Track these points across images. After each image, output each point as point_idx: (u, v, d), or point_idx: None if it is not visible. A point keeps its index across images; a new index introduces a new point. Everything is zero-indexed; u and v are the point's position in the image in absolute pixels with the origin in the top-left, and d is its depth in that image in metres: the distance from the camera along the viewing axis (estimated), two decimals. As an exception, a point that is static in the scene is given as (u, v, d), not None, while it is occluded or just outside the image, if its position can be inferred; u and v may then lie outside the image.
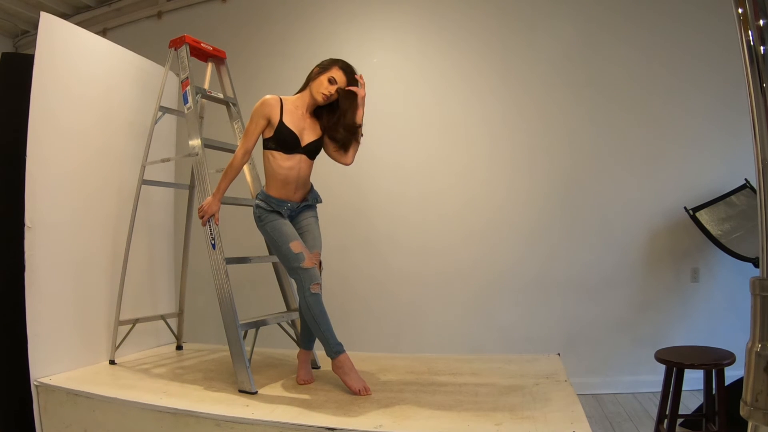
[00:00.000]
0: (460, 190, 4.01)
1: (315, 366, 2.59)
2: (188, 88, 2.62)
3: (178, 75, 2.76)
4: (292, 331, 2.76)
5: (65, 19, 3.18)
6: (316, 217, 2.43)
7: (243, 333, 2.27)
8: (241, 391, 2.20)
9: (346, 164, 2.37)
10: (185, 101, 2.63)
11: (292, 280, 2.41)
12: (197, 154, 2.54)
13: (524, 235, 3.89)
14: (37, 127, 2.50)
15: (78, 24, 3.05)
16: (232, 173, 2.33)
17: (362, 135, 2.36)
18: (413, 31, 4.17)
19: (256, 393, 2.18)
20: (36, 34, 2.57)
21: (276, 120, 2.24)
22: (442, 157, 4.06)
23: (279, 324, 2.65)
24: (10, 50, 5.23)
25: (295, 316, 2.63)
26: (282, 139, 2.24)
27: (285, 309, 2.76)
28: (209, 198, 2.38)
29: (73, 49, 2.73)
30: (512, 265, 3.89)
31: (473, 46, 4.03)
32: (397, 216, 4.11)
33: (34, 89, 2.49)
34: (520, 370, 2.42)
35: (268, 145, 2.27)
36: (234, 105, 2.92)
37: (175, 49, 2.73)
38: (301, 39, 4.38)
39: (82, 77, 2.78)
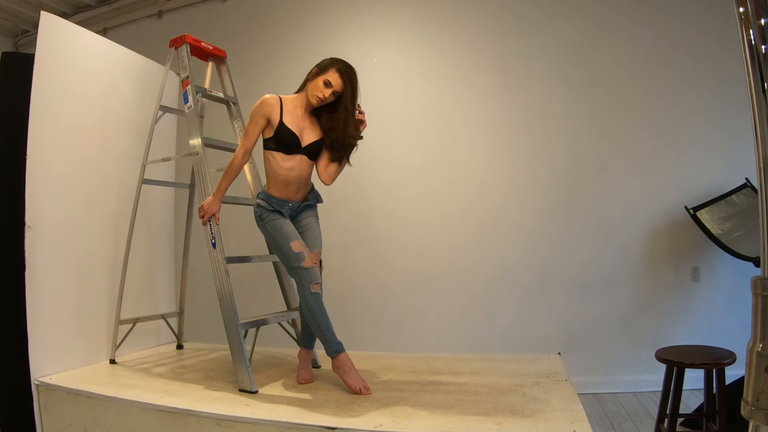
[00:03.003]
0: (461, 189, 4.01)
1: (315, 365, 2.59)
2: (188, 87, 2.62)
3: (178, 74, 2.76)
4: (292, 331, 2.76)
5: (65, 18, 3.18)
6: (317, 216, 2.42)
7: (243, 332, 2.27)
8: (242, 391, 2.20)
9: (326, 182, 2.33)
10: (185, 100, 2.63)
11: (293, 280, 2.41)
12: (197, 154, 2.54)
13: (525, 234, 3.89)
14: (37, 127, 2.49)
15: (78, 23, 3.05)
16: (232, 173, 2.32)
17: (349, 163, 2.35)
18: (413, 31, 4.17)
19: (256, 392, 2.18)
20: (36, 33, 2.57)
21: (276, 120, 2.22)
22: (442, 156, 4.06)
23: (279, 323, 2.65)
24: (11, 49, 5.23)
25: (296, 315, 2.63)
26: (282, 140, 2.23)
27: (285, 308, 2.76)
28: (209, 197, 2.38)
29: (74, 49, 2.73)
30: (513, 264, 3.89)
31: (473, 45, 4.03)
32: (398, 215, 4.11)
33: (35, 88, 2.48)
34: (520, 370, 2.42)
35: (268, 145, 2.26)
36: (234, 104, 2.92)
37: (176, 49, 2.73)
38: (301, 38, 4.37)
39: (83, 76, 2.78)
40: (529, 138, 3.92)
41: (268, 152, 2.26)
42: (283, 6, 4.48)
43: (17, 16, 5.07)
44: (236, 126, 2.90)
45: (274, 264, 2.75)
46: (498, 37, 4.00)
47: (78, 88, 2.75)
